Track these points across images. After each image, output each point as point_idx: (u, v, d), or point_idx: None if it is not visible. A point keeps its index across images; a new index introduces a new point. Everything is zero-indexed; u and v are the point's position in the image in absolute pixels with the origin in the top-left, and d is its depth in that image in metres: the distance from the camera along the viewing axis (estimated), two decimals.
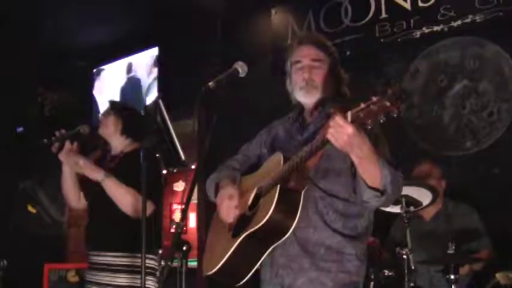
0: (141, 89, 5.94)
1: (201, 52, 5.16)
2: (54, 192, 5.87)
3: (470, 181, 3.75)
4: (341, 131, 1.66)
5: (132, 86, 6.05)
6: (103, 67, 6.41)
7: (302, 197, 1.90)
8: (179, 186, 6.04)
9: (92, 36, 5.85)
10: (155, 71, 5.79)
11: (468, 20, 3.83)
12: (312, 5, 4.66)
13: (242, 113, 4.54)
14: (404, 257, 3.05)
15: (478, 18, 3.79)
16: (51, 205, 6.21)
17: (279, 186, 1.90)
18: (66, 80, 6.24)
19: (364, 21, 4.36)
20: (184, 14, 5.12)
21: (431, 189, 3.18)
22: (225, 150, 2.44)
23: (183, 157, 3.59)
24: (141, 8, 5.28)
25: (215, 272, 2.01)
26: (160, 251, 2.92)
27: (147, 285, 2.53)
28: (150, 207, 2.60)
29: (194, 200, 4.93)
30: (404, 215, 3.13)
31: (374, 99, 1.59)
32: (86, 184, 2.90)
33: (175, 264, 3.79)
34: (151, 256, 2.71)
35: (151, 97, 5.74)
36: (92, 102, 6.42)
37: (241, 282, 2.00)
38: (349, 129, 1.65)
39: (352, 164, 1.82)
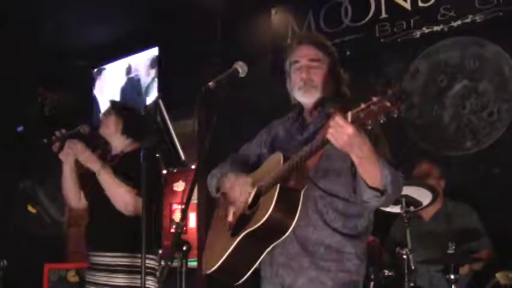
0: (141, 89, 5.95)
1: (201, 52, 5.15)
2: (54, 192, 5.87)
3: (470, 181, 3.76)
4: (341, 131, 1.66)
5: (132, 86, 6.05)
6: (104, 66, 6.42)
7: (302, 196, 1.89)
8: (179, 186, 6.03)
9: (92, 36, 5.85)
10: (155, 71, 5.79)
11: (468, 20, 3.83)
12: (312, 5, 4.66)
13: (242, 113, 4.53)
14: (404, 257, 3.05)
15: (478, 18, 3.79)
16: (51, 205, 6.21)
17: (278, 185, 1.90)
18: (66, 80, 6.23)
19: (364, 21, 4.36)
20: (184, 14, 5.12)
21: (431, 189, 3.18)
22: (225, 150, 2.44)
23: (183, 157, 3.59)
24: (141, 8, 5.28)
25: (214, 271, 2.01)
26: (160, 251, 2.92)
27: (147, 285, 2.52)
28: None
29: (194, 200, 4.93)
30: (404, 215, 3.13)
31: (374, 99, 1.59)
32: (86, 184, 2.90)
33: (175, 264, 3.78)
34: (151, 256, 2.71)
35: (151, 97, 5.74)
36: (93, 102, 6.42)
37: (240, 281, 2.00)
38: (349, 129, 1.65)
39: (352, 164, 1.82)
